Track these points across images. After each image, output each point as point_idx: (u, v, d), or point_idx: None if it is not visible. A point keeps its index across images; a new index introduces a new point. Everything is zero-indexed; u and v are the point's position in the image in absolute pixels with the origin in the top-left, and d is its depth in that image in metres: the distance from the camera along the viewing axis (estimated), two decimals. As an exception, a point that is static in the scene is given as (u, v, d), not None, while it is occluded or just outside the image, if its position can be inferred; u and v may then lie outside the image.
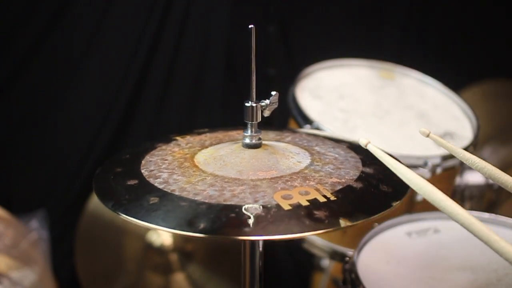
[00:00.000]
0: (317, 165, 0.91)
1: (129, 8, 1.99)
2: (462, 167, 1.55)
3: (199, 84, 2.07)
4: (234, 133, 1.07)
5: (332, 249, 1.46)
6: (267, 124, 0.98)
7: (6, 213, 1.73)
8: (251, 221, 0.76)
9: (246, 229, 0.75)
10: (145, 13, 1.97)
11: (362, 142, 0.88)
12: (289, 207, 0.79)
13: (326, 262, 1.63)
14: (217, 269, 1.80)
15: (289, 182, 0.85)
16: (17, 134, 2.03)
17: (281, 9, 2.10)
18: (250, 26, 0.89)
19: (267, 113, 0.95)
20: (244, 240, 0.81)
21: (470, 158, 0.93)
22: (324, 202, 0.80)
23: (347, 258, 1.15)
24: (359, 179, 0.88)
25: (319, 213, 0.78)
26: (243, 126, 0.95)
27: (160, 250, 1.75)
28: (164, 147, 1.00)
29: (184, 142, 1.02)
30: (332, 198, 0.81)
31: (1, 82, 1.97)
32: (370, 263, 1.13)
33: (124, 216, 0.80)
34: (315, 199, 0.81)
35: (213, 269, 1.80)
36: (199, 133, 1.08)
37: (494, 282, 1.08)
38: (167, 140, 1.04)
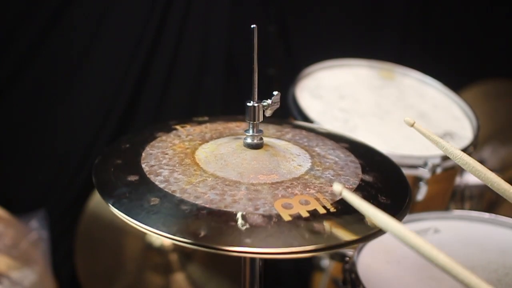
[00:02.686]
0: (318, 170, 0.91)
1: (129, 7, 1.99)
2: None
3: (199, 84, 2.07)
4: (234, 125, 1.06)
5: (332, 249, 1.46)
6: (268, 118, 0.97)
7: (6, 213, 1.73)
8: (250, 234, 0.75)
9: (247, 240, 0.74)
10: (145, 13, 1.96)
11: (337, 189, 0.79)
12: (289, 218, 0.78)
13: (326, 262, 1.63)
14: (217, 269, 1.79)
15: (289, 189, 0.84)
16: (17, 134, 2.03)
17: (281, 9, 2.10)
18: (252, 26, 0.89)
19: (268, 113, 0.95)
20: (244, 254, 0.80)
21: (460, 156, 0.91)
22: (323, 214, 0.80)
23: (347, 258, 1.15)
24: (358, 188, 0.87)
25: (318, 226, 0.77)
26: (242, 116, 0.94)
27: (160, 250, 1.75)
28: (164, 137, 0.99)
29: (184, 133, 1.01)
30: (332, 209, 0.81)
31: (1, 82, 1.97)
32: (370, 263, 1.13)
33: (123, 216, 0.79)
34: (315, 210, 0.80)
35: (213, 269, 1.79)
36: (199, 122, 1.07)
37: (494, 282, 1.08)
38: (167, 129, 1.03)
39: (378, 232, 0.79)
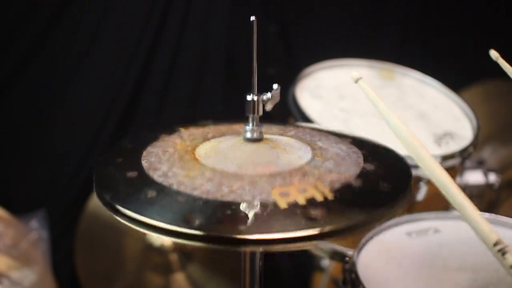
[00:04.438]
0: (318, 160, 0.91)
1: (130, 7, 1.99)
2: (462, 167, 1.55)
3: (200, 83, 2.07)
4: (237, 127, 1.06)
5: (332, 249, 1.46)
6: (269, 117, 0.97)
7: (6, 213, 1.73)
8: (246, 219, 0.76)
9: (241, 227, 0.74)
10: (145, 13, 1.97)
11: (354, 76, 0.86)
12: (286, 206, 0.78)
13: (326, 262, 1.63)
14: (217, 269, 1.79)
15: (288, 179, 0.84)
16: (17, 134, 2.03)
17: (281, 9, 2.10)
18: (252, 19, 0.88)
19: (269, 107, 0.94)
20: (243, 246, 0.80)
21: None
22: (321, 201, 0.80)
23: (347, 258, 1.15)
24: (359, 176, 0.87)
25: (315, 213, 0.77)
26: (246, 110, 0.94)
27: (160, 250, 1.75)
28: (166, 138, 1.00)
29: (187, 134, 1.02)
30: (330, 196, 0.81)
31: (1, 82, 1.97)
32: (370, 263, 1.13)
33: (120, 209, 0.80)
34: (313, 197, 0.81)
35: (213, 269, 1.79)
36: (203, 126, 1.08)
37: (494, 282, 1.08)
38: (171, 131, 1.04)
39: (376, 219, 0.80)
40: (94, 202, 1.78)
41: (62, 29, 1.95)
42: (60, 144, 2.05)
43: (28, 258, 1.68)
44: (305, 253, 1.55)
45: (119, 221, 0.83)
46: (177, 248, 1.76)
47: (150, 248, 1.75)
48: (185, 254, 1.77)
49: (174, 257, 1.77)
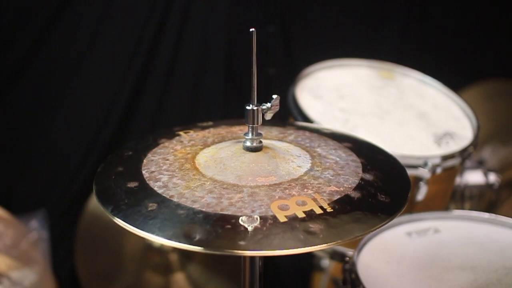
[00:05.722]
0: (317, 170, 0.91)
1: (129, 8, 1.99)
2: (462, 167, 1.55)
3: (200, 84, 2.07)
4: (237, 129, 1.06)
5: (332, 249, 1.46)
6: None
7: (6, 213, 1.73)
8: (246, 234, 0.76)
9: (241, 243, 0.75)
10: (145, 13, 1.97)
11: None
12: (285, 219, 0.78)
13: (326, 262, 1.63)
14: (217, 269, 1.80)
15: (287, 190, 0.84)
16: (17, 134, 2.03)
17: (281, 9, 2.10)
18: (251, 30, 0.88)
19: (268, 116, 0.95)
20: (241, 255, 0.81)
21: None
22: (320, 214, 0.80)
23: (347, 258, 1.15)
24: (357, 187, 0.87)
25: (314, 227, 0.77)
26: (245, 120, 0.95)
27: (160, 250, 1.75)
28: (166, 143, 1.00)
29: (187, 139, 1.02)
30: (329, 209, 0.81)
31: (1, 82, 1.97)
32: (370, 263, 1.13)
33: (122, 222, 0.80)
34: (312, 210, 0.80)
35: (213, 269, 1.80)
36: (203, 128, 1.07)
37: (494, 282, 1.08)
38: (170, 135, 1.04)
39: (372, 231, 0.80)
40: (94, 202, 1.78)
41: (62, 29, 1.95)
42: (60, 144, 2.05)
43: (28, 258, 1.68)
44: (305, 253, 1.55)
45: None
46: (177, 248, 1.75)
47: (150, 248, 1.75)
48: (185, 254, 1.77)
49: (174, 257, 1.77)
